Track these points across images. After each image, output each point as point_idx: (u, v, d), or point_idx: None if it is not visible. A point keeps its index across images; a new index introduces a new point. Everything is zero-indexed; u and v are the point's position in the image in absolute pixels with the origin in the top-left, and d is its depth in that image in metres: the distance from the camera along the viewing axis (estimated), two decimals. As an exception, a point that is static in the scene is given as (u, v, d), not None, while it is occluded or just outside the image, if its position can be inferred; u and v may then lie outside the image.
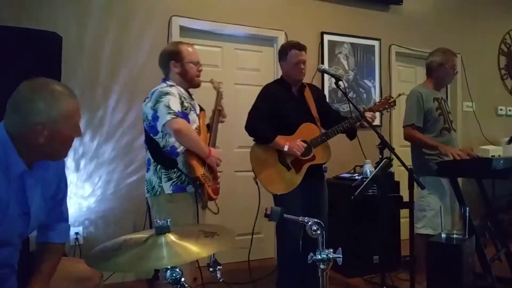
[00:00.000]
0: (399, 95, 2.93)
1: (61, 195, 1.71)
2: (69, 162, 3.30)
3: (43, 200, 1.58)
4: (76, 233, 3.27)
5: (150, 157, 2.30)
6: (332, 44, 4.35)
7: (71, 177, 3.31)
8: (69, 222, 3.31)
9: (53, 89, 1.42)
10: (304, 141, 2.70)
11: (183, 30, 3.69)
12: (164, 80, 2.38)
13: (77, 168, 3.34)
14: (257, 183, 2.76)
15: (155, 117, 2.19)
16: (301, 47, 2.80)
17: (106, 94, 3.42)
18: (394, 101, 2.83)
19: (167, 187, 2.23)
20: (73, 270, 1.67)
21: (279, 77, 3.97)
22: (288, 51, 2.79)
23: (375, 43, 4.59)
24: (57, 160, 1.57)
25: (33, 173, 1.50)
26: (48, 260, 1.59)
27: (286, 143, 2.65)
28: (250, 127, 2.75)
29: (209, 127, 2.50)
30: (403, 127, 3.13)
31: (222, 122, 2.60)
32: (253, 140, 2.80)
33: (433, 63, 3.16)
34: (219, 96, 2.59)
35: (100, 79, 3.41)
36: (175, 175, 2.24)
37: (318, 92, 3.03)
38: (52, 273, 1.57)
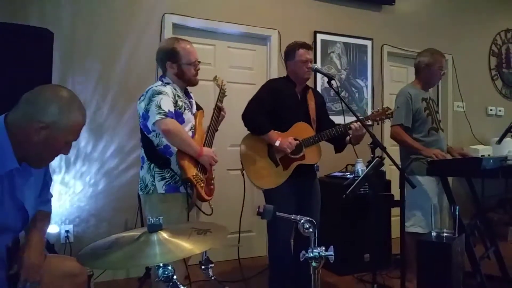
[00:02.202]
0: (397, 107, 2.98)
1: (48, 185, 1.77)
2: (60, 159, 3.27)
3: (34, 197, 1.62)
4: (67, 231, 3.24)
5: (144, 155, 2.29)
6: (325, 43, 4.36)
7: (62, 175, 3.29)
8: (59, 221, 3.33)
9: (72, 102, 1.49)
10: (296, 140, 2.71)
11: (176, 27, 3.68)
12: (161, 78, 2.37)
13: (68, 166, 3.31)
14: (243, 175, 2.76)
15: (146, 117, 2.19)
16: (309, 47, 2.82)
17: (98, 92, 3.40)
18: (391, 113, 2.84)
19: (160, 187, 2.22)
20: (62, 267, 1.68)
21: (271, 75, 4.00)
22: (296, 50, 2.79)
23: (368, 43, 4.62)
24: (35, 167, 1.57)
25: (22, 172, 1.51)
26: (41, 220, 1.67)
27: (278, 138, 2.66)
28: (248, 116, 2.73)
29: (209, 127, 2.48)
30: (391, 126, 3.16)
31: (223, 118, 2.58)
32: (248, 130, 2.79)
33: (420, 64, 3.20)
34: (221, 93, 2.56)
35: (92, 76, 3.38)
36: (168, 174, 2.23)
37: (320, 98, 3.04)
38: (45, 231, 1.67)
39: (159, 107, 2.14)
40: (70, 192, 3.32)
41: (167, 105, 2.17)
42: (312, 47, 2.85)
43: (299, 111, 2.82)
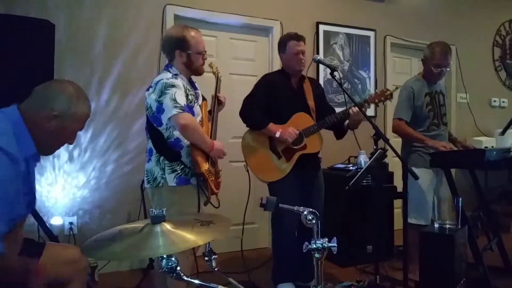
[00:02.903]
0: (396, 88, 2.93)
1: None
2: (63, 152, 3.28)
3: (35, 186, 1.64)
4: (70, 223, 3.26)
5: (152, 147, 2.26)
6: (327, 34, 4.33)
7: (65, 167, 3.30)
8: (63, 212, 3.35)
9: (80, 94, 1.61)
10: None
11: (178, 19, 3.65)
12: (167, 67, 2.32)
13: (70, 158, 3.32)
14: (247, 171, 2.77)
15: (160, 110, 2.14)
16: (299, 38, 2.79)
17: (99, 84, 3.39)
18: (391, 94, 2.82)
19: (171, 179, 2.20)
20: (63, 254, 1.73)
21: (273, 67, 3.99)
22: (287, 42, 2.79)
23: (371, 34, 4.58)
24: (44, 155, 1.65)
25: (36, 158, 1.57)
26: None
27: (278, 129, 2.66)
28: (244, 113, 2.75)
29: (210, 113, 2.47)
30: (393, 119, 3.15)
31: (220, 110, 2.58)
32: (246, 126, 2.80)
33: (423, 56, 3.16)
34: (218, 82, 2.54)
35: (93, 68, 3.37)
36: (179, 167, 2.21)
37: (318, 87, 3.03)
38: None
39: (175, 100, 2.11)
40: (73, 184, 3.33)
41: (182, 99, 2.15)
42: (304, 38, 2.82)
43: (297, 103, 2.81)
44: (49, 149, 1.63)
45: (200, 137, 2.19)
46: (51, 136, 1.53)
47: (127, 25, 3.48)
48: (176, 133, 2.20)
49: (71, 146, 3.30)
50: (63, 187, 3.28)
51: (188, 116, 2.13)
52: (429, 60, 3.07)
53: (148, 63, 3.49)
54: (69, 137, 1.61)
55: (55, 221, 3.20)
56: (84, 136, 3.35)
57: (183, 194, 2.22)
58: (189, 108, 2.20)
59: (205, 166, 2.19)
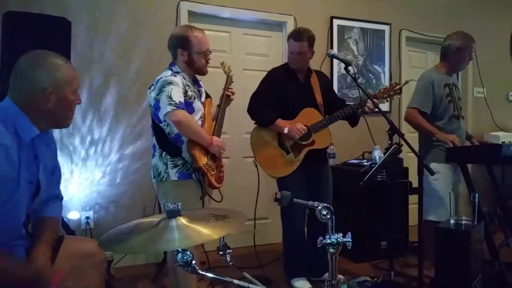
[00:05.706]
0: (406, 82, 2.88)
1: (58, 173, 1.78)
2: (79, 147, 3.33)
3: (45, 172, 1.63)
4: (87, 218, 3.31)
5: (156, 143, 2.32)
6: (341, 28, 4.30)
7: (82, 162, 3.35)
8: (80, 207, 3.38)
9: (51, 58, 1.53)
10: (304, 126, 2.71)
11: (192, 15, 3.67)
12: (170, 66, 2.37)
13: (87, 154, 3.37)
14: (256, 166, 2.78)
15: (157, 107, 2.19)
16: (298, 38, 2.75)
17: (115, 80, 3.43)
18: (400, 89, 2.80)
19: (173, 174, 2.25)
20: (81, 248, 1.74)
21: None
22: (288, 39, 2.82)
23: (385, 28, 4.53)
24: (63, 127, 1.69)
25: (44, 140, 1.58)
26: (48, 230, 1.61)
27: (286, 125, 2.67)
28: (252, 109, 2.79)
29: (219, 107, 2.48)
30: (407, 107, 3.09)
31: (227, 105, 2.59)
32: (254, 123, 2.82)
33: (451, 47, 3.03)
34: (228, 80, 2.56)
35: (109, 65, 3.41)
36: (180, 162, 2.26)
37: (325, 80, 3.02)
38: (53, 243, 1.59)
39: (170, 98, 2.14)
40: (90, 179, 3.38)
41: (178, 96, 2.18)
42: (304, 38, 2.75)
43: (304, 97, 2.82)
44: (66, 120, 1.60)
45: (194, 133, 2.22)
46: (58, 109, 1.51)
47: (142, 22, 3.51)
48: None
49: (87, 142, 3.36)
50: (79, 182, 3.34)
51: (181, 113, 2.15)
52: (463, 50, 2.98)
53: (163, 59, 3.46)
54: (74, 100, 1.57)
55: (72, 215, 3.25)
56: (100, 132, 3.39)
57: (185, 188, 2.26)
58: (187, 105, 2.22)
59: (203, 161, 2.22)
